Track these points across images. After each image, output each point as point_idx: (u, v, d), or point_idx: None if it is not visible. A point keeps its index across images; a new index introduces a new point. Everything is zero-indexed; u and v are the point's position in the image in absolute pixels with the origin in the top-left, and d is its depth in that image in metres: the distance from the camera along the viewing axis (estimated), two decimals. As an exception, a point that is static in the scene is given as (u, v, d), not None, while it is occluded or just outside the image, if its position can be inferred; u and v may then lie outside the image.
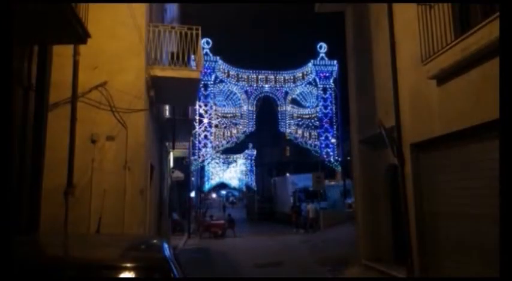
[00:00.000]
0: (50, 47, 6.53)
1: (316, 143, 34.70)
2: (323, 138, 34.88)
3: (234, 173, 51.18)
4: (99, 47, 7.74)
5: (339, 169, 34.45)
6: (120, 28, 8.13)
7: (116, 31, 8.12)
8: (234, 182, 52.26)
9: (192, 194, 30.22)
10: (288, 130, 35.37)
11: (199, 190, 30.43)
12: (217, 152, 36.65)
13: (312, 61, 35.33)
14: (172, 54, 9.41)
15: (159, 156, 13.32)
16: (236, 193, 71.89)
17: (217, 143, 33.64)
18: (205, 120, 33.02)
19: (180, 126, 15.38)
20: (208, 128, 33.26)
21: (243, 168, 51.09)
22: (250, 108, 34.72)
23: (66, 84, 7.42)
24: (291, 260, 12.38)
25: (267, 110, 36.59)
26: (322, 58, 35.30)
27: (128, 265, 2.76)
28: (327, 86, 35.38)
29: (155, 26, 9.08)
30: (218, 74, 34.02)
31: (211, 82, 33.63)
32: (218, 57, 34.12)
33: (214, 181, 48.84)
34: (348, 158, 29.38)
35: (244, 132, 34.48)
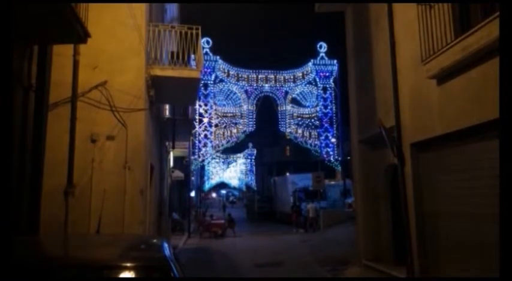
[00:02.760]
0: (50, 47, 6.53)
1: (316, 142, 34.80)
2: (323, 138, 34.96)
3: (234, 172, 51.27)
4: (99, 47, 7.75)
5: (339, 168, 34.54)
6: (120, 28, 8.13)
7: (116, 31, 8.12)
8: (234, 182, 52.35)
9: (192, 194, 30.25)
10: (288, 130, 35.45)
11: (200, 189, 30.48)
12: (217, 151, 36.82)
13: (312, 60, 35.42)
14: (172, 53, 9.41)
15: (159, 156, 13.32)
16: (236, 193, 71.96)
17: (217, 142, 33.74)
18: (205, 120, 33.13)
19: (180, 126, 15.40)
20: (208, 128, 33.37)
21: (243, 168, 51.18)
22: (250, 107, 34.85)
23: (66, 84, 7.42)
24: (290, 260, 12.38)
25: (267, 109, 36.71)
26: (322, 58, 35.40)
27: (128, 264, 2.77)
28: (327, 85, 35.47)
29: (155, 25, 9.08)
30: (218, 73, 34.14)
31: (211, 82, 33.77)
32: (218, 57, 34.25)
33: (214, 180, 48.91)
34: (348, 158, 29.42)
35: (244, 131, 34.58)
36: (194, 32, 9.11)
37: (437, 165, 7.14)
